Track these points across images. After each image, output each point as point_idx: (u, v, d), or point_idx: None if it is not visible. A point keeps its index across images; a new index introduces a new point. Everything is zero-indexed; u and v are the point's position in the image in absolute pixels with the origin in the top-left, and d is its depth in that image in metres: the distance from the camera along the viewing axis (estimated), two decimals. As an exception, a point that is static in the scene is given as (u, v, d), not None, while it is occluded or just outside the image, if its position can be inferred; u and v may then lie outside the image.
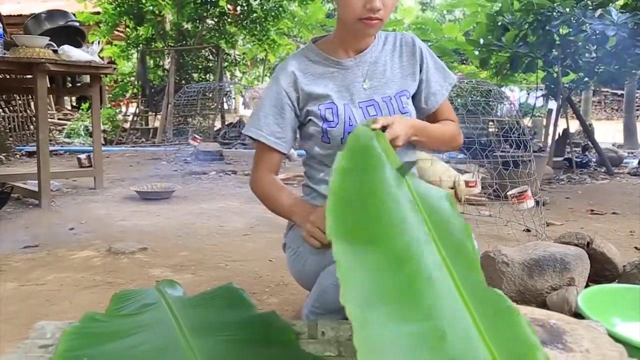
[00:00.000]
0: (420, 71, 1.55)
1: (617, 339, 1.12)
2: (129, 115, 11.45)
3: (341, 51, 1.51)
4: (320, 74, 1.51)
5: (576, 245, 2.15)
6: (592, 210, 4.17)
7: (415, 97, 1.57)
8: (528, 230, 3.38)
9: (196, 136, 7.90)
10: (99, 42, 6.09)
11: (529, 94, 14.01)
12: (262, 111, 1.52)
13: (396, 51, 1.55)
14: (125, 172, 6.34)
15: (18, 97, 9.09)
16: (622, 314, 1.69)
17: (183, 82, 11.33)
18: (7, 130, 8.77)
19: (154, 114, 11.70)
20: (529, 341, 0.76)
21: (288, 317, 1.29)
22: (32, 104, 8.88)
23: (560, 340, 0.99)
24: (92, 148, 5.22)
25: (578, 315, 1.57)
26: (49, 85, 4.50)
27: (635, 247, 3.00)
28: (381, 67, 1.52)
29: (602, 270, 2.16)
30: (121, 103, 12.36)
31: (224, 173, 6.27)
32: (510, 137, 3.79)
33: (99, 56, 4.92)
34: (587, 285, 2.02)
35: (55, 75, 4.91)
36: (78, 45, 4.51)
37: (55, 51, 4.20)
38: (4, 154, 7.56)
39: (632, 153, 8.62)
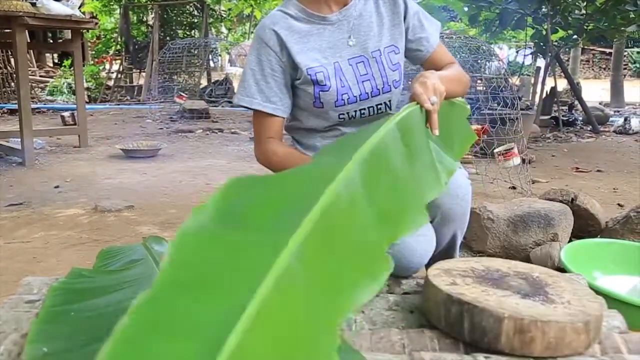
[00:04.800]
0: (405, 19, 1.48)
1: (597, 291, 1.15)
2: (112, 73, 11.21)
3: (324, 5, 1.42)
4: (307, 32, 1.41)
5: (560, 201, 2.18)
6: (577, 168, 4.21)
7: (407, 47, 1.51)
8: (514, 188, 3.41)
9: (182, 94, 7.80)
10: (79, -4, 5.91)
11: (517, 52, 13.94)
12: (252, 77, 1.41)
13: (379, 2, 1.47)
14: (110, 130, 6.26)
15: (-3, 53, 8.85)
16: (603, 268, 1.73)
17: (167, 38, 11.09)
18: (-13, 88, 8.58)
19: (138, 71, 11.48)
20: None
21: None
22: (12, 60, 8.65)
23: (543, 292, 1.00)
24: (75, 106, 5.12)
25: (561, 270, 1.60)
26: (28, 40, 4.37)
27: (618, 204, 3.05)
28: (366, 21, 1.45)
29: (585, 226, 2.19)
30: (104, 60, 12.08)
31: (210, 131, 6.21)
32: (499, 94, 3.78)
33: (80, 11, 4.78)
34: (570, 240, 2.06)
35: (35, 30, 4.78)
36: (57, -2, 4.37)
37: (33, 4, 4.07)
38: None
39: (618, 112, 8.65)
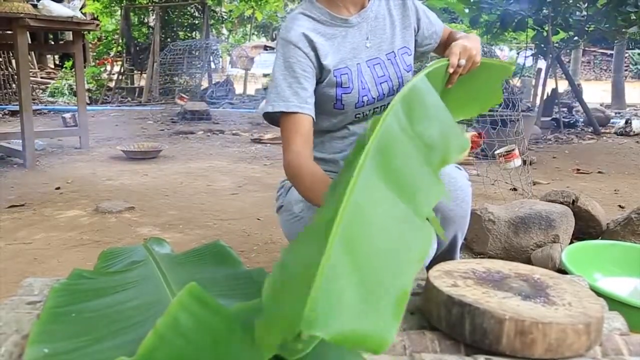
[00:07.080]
0: (419, 20, 1.52)
1: (598, 293, 1.14)
2: (114, 74, 11.22)
3: (342, 8, 1.43)
4: (331, 35, 1.42)
5: (562, 203, 2.18)
6: (578, 170, 4.20)
7: (422, 43, 1.56)
8: (515, 189, 3.41)
9: (183, 95, 7.81)
10: (80, -3, 5.92)
11: (518, 53, 13.93)
12: (284, 81, 1.36)
13: (391, 4, 1.50)
14: (111, 131, 6.26)
15: (-2, 55, 8.87)
16: (604, 269, 1.73)
17: (168, 40, 11.11)
18: (-11, 89, 8.59)
19: (139, 72, 11.50)
20: None
21: (276, 273, 1.30)
22: (13, 61, 8.66)
23: (544, 294, 1.00)
24: (76, 107, 5.13)
25: (562, 271, 1.60)
26: (29, 42, 4.38)
27: (619, 206, 3.04)
28: (381, 23, 1.47)
29: (586, 228, 2.19)
30: (106, 61, 12.10)
31: (211, 132, 6.22)
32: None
33: (81, 12, 4.79)
34: (571, 242, 2.05)
35: (36, 31, 4.79)
36: (58, 0, 4.38)
37: (34, 6, 4.08)
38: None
39: (619, 113, 8.64)
